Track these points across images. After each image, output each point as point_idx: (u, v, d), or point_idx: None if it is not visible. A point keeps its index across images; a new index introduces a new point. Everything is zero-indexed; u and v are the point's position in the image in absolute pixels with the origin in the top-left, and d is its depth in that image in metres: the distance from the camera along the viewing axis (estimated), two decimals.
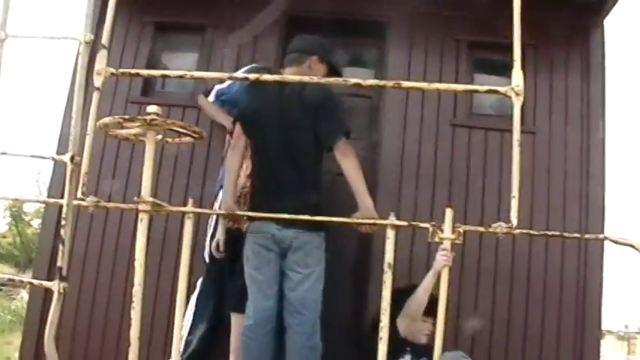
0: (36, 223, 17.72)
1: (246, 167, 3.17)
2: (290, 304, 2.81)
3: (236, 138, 3.00)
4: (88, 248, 4.15)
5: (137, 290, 2.14)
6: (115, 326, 3.91)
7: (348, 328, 3.80)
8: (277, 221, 2.73)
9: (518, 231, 2.03)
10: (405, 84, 1.91)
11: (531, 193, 4.00)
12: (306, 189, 2.85)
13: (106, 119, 2.29)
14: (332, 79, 2.09)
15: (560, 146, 4.16)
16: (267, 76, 2.06)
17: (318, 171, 2.93)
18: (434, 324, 3.19)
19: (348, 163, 2.81)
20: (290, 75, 2.77)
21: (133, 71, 2.26)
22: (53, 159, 2.72)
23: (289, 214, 2.41)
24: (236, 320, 3.20)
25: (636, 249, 2.08)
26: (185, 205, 2.29)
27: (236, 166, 2.99)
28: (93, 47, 2.08)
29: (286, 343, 2.80)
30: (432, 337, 3.32)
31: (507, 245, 3.90)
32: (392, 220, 2.19)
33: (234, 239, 3.24)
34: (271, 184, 2.87)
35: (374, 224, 2.48)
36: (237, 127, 3.01)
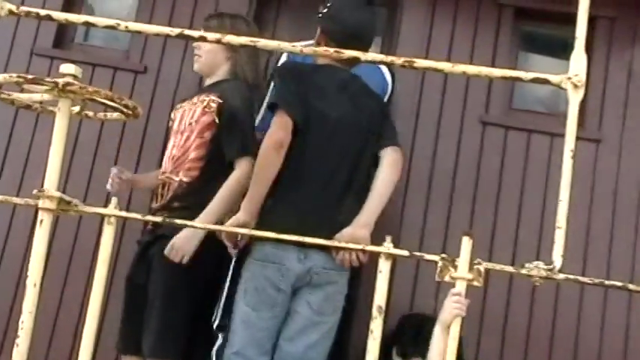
0: None
1: None
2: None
3: (285, 130, 2.97)
4: None
5: (26, 320, 2.15)
6: None
7: None
8: (302, 246, 2.81)
9: (562, 276, 2.06)
10: (420, 62, 1.94)
11: (587, 225, 4.07)
12: (355, 207, 2.99)
13: None
14: (320, 49, 2.11)
15: (634, 161, 4.21)
16: (231, 37, 2.09)
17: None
18: None
19: (395, 176, 3.09)
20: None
21: (43, 12, 2.23)
22: None
23: (326, 236, 2.50)
24: None
25: None
26: (106, 205, 2.31)
27: (275, 172, 2.97)
28: None
29: None
30: None
31: (548, 294, 3.95)
32: (387, 246, 2.22)
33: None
34: (317, 196, 2.98)
35: (362, 250, 2.52)
36: (284, 118, 2.98)
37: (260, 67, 3.58)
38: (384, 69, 3.71)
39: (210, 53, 3.51)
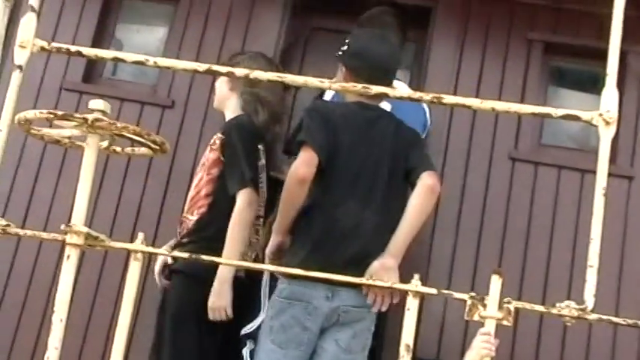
0: None
1: None
2: None
3: (308, 166, 3.00)
4: None
5: (52, 355, 2.16)
6: None
7: None
8: (331, 283, 2.81)
9: (595, 316, 2.04)
10: (449, 99, 1.94)
11: (620, 263, 4.03)
12: (384, 245, 2.99)
13: (29, 113, 2.31)
14: (349, 85, 2.11)
15: None
16: (258, 72, 2.11)
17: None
18: None
19: (429, 203, 3.04)
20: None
21: (74, 48, 2.26)
22: None
23: (355, 274, 2.48)
24: None
25: None
26: (133, 240, 2.32)
27: (300, 204, 3.03)
28: (16, 8, 2.10)
29: None
30: None
31: (580, 335, 3.90)
32: (415, 283, 2.22)
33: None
34: (345, 234, 2.98)
35: (391, 289, 2.50)
36: (309, 154, 3.01)
37: (267, 99, 3.63)
38: (425, 105, 3.72)
39: (219, 87, 3.68)
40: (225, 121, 3.62)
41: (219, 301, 3.22)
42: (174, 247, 3.44)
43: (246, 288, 3.31)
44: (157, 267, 3.49)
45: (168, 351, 3.31)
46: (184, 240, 3.43)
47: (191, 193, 3.53)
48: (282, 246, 3.06)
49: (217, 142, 3.47)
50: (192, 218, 3.46)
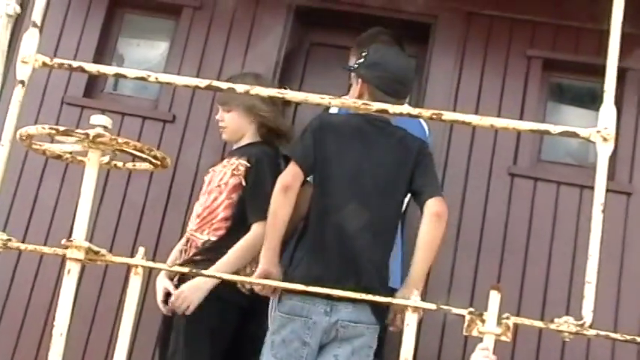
0: None
1: None
2: None
3: (292, 176, 3.06)
4: None
5: None
6: None
7: None
8: (329, 298, 2.85)
9: (593, 332, 2.04)
10: (448, 115, 1.95)
11: (619, 279, 4.03)
12: (380, 268, 3.04)
13: (31, 128, 2.32)
14: (349, 101, 2.11)
15: None
16: (259, 89, 2.12)
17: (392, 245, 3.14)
18: None
19: (437, 230, 3.01)
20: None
21: (75, 64, 2.25)
22: None
23: (352, 288, 2.51)
24: None
25: None
26: (133, 255, 2.33)
27: (287, 216, 3.04)
28: (19, 23, 2.10)
29: None
30: None
31: (578, 351, 3.90)
32: (414, 299, 2.22)
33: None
34: (336, 252, 3.00)
35: (391, 304, 2.51)
36: (294, 168, 3.07)
37: (283, 122, 3.72)
38: (422, 121, 3.73)
39: (233, 121, 3.66)
40: (235, 145, 3.66)
41: (191, 295, 3.27)
42: (182, 264, 3.45)
43: (253, 305, 3.33)
44: (159, 296, 3.46)
45: None
46: (197, 257, 3.43)
47: (200, 212, 3.53)
48: (270, 277, 3.00)
49: (241, 168, 3.50)
50: (201, 237, 3.48)
